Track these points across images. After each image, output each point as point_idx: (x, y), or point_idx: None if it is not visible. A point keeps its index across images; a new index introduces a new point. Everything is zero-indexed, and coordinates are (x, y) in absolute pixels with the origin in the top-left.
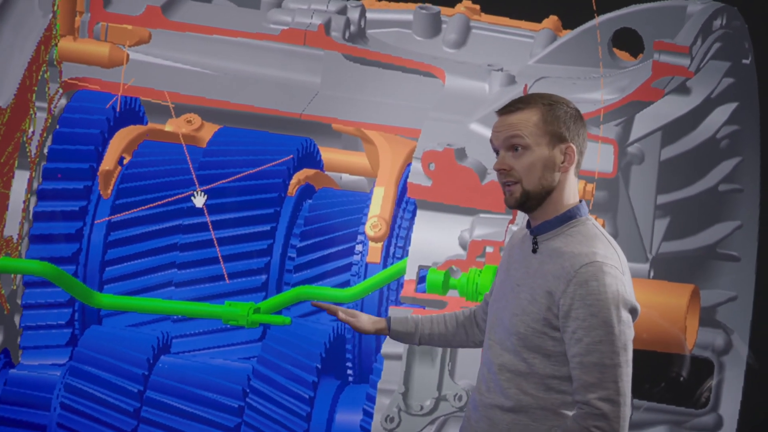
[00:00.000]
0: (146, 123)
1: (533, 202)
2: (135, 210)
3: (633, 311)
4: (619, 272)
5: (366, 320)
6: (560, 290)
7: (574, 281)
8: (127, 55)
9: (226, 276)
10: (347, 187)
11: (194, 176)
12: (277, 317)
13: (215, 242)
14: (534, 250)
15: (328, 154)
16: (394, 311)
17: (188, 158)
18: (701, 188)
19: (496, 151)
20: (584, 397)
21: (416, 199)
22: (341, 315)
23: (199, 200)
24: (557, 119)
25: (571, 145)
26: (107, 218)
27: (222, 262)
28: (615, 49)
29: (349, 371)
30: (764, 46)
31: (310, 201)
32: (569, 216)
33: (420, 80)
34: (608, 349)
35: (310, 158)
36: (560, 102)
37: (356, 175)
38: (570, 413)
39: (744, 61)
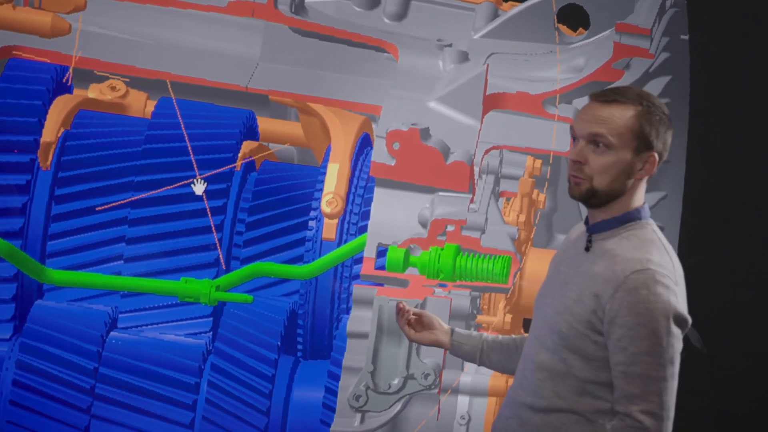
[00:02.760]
0: (72, 91)
1: (597, 200)
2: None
3: (683, 323)
4: (672, 282)
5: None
6: (608, 295)
7: (624, 287)
8: (70, 25)
9: (222, 259)
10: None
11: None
12: (239, 295)
13: (209, 213)
14: (587, 249)
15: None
16: (358, 288)
17: (188, 141)
18: None
19: (574, 138)
20: (626, 409)
21: (379, 177)
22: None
23: (199, 188)
24: (651, 125)
25: (654, 154)
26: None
27: (216, 236)
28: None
29: (299, 347)
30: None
31: (255, 174)
32: (628, 218)
33: (366, 54)
34: (654, 360)
35: (252, 130)
36: (657, 105)
37: (285, 145)
38: (602, 421)
39: (682, 36)
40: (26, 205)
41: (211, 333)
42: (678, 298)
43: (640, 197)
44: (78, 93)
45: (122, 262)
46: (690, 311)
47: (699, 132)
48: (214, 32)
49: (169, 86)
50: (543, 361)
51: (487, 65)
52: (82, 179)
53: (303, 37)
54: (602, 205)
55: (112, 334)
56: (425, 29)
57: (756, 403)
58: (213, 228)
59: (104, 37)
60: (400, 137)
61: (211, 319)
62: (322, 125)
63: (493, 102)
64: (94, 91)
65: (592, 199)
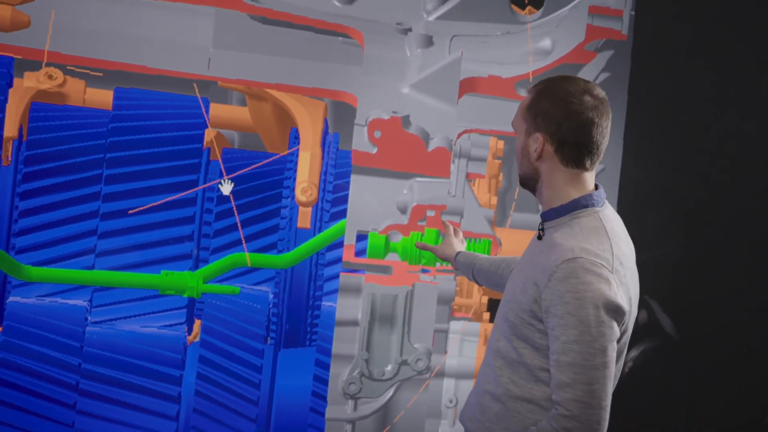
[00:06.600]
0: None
1: (526, 186)
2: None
3: (616, 312)
4: (606, 270)
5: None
6: (543, 284)
7: (555, 276)
8: (29, 18)
9: (245, 248)
10: None
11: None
12: (226, 287)
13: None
14: (539, 237)
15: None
16: (344, 276)
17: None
18: None
19: None
20: (558, 397)
21: (359, 165)
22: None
23: (227, 188)
24: (538, 107)
25: (538, 134)
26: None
27: (242, 235)
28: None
29: (272, 335)
30: None
31: (217, 163)
32: (573, 206)
33: (321, 38)
34: (583, 349)
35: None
36: (552, 89)
37: (228, 129)
38: None
39: (631, 12)
40: None
41: (185, 324)
42: (611, 286)
43: (576, 186)
44: (17, 82)
45: (94, 255)
46: (663, 299)
47: (638, 108)
48: (165, 20)
49: (196, 88)
50: (500, 348)
51: (462, 52)
52: (47, 174)
53: (257, 22)
54: (533, 191)
55: (90, 328)
56: (376, 12)
57: (727, 390)
58: (238, 222)
59: (58, 28)
60: (382, 125)
61: (185, 310)
62: (273, 110)
63: (465, 86)
64: (30, 80)
65: (523, 185)
